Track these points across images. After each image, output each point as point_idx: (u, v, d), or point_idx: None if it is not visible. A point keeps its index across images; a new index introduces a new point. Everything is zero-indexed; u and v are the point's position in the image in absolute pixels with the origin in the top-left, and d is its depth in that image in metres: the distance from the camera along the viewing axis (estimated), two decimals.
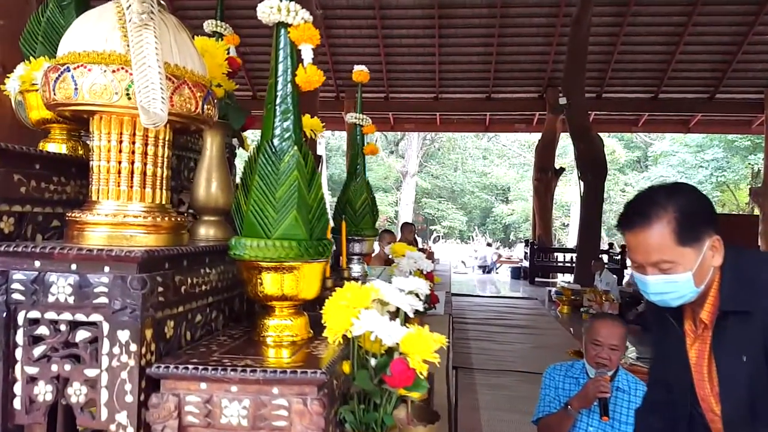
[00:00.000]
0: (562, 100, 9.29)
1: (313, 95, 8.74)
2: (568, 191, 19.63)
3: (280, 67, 1.16)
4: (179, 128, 1.17)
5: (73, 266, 0.97)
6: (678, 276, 1.27)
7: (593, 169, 9.35)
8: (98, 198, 1.08)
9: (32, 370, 0.99)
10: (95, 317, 0.97)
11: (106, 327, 0.96)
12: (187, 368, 0.95)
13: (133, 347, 0.94)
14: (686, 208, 1.26)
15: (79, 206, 1.14)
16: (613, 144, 22.53)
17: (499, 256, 17.50)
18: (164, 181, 1.14)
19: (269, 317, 1.17)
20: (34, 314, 0.99)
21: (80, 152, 1.41)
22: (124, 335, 0.95)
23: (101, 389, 0.96)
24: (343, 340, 1.11)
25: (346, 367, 1.14)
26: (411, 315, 1.23)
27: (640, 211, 1.30)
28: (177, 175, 1.71)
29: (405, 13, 10.59)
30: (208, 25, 1.93)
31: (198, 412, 0.95)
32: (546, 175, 11.95)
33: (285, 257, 1.09)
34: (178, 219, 1.14)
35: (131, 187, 1.08)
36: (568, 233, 20.87)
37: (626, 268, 11.83)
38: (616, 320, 2.27)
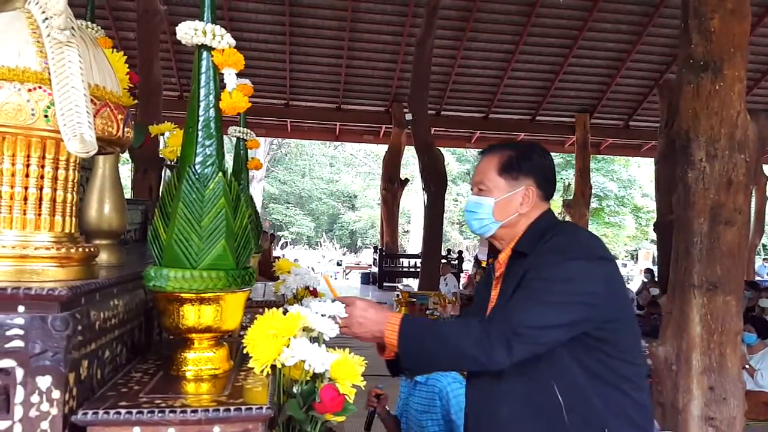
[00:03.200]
0: (408, 116, 9.83)
1: (156, 94, 8.23)
2: (410, 200, 20.70)
3: (202, 91, 1.13)
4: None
5: None
6: (484, 199, 1.50)
7: (435, 181, 10.00)
8: None
9: None
10: (6, 363, 0.86)
11: (20, 373, 0.86)
12: (119, 413, 0.89)
13: (56, 394, 0.86)
14: (517, 153, 1.51)
15: None
16: (447, 157, 24.25)
17: None
18: (74, 208, 1.05)
19: (188, 350, 1.13)
20: None
21: None
22: (44, 381, 0.86)
23: None
24: (270, 370, 1.12)
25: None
26: (327, 339, 1.27)
27: (492, 147, 1.57)
28: None
29: (255, 17, 10.43)
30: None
31: None
32: (393, 185, 12.54)
33: (212, 288, 1.07)
34: (90, 249, 1.06)
35: (39, 215, 0.98)
36: (409, 240, 21.97)
37: (462, 272, 12.83)
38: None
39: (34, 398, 0.86)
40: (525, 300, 1.35)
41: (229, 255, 1.09)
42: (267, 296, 2.21)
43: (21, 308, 0.87)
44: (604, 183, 20.67)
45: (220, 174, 1.11)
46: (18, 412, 0.86)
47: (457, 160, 25.29)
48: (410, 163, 16.97)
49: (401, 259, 13.43)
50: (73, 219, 1.04)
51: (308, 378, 1.15)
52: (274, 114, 12.20)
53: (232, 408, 0.92)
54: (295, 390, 1.15)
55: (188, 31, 1.13)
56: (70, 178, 1.02)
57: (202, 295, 1.07)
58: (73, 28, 0.95)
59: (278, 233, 21.68)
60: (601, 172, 20.79)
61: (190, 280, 1.05)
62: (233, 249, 1.11)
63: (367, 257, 19.28)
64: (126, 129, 1.05)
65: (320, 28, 10.79)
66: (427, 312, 8.48)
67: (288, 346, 1.10)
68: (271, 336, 1.12)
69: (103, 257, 1.36)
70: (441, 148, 10.66)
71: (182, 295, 1.07)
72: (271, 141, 21.47)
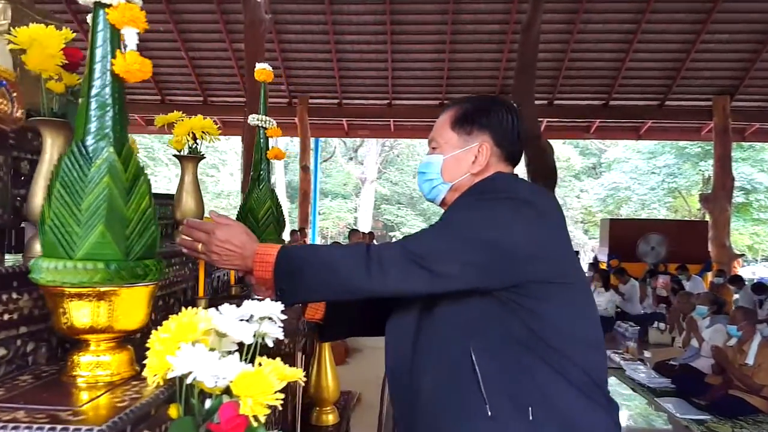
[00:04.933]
0: None
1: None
2: None
3: (98, 52, 0.97)
4: None
5: None
6: (434, 157, 1.32)
7: (544, 176, 9.36)
8: None
9: None
10: None
11: None
12: None
13: None
14: (475, 105, 1.31)
15: None
16: (568, 151, 22.87)
17: None
18: None
19: (82, 353, 0.98)
20: None
21: None
22: None
23: None
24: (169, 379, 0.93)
25: (173, 412, 0.96)
26: (270, 345, 1.06)
27: (452, 101, 1.38)
28: (27, 183, 1.51)
29: (357, 18, 10.46)
30: None
31: None
32: None
33: (89, 282, 0.91)
34: None
35: None
36: None
37: None
38: None
39: None
40: (425, 229, 1.19)
41: (111, 243, 0.93)
42: None
43: None
44: (752, 174, 18.21)
45: (111, 149, 0.95)
46: None
47: (580, 154, 23.80)
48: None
49: None
50: None
51: (219, 392, 0.96)
52: (378, 114, 12.14)
53: (57, 428, 0.75)
54: (208, 404, 0.96)
55: None
56: None
57: (86, 289, 0.92)
58: None
59: (390, 233, 21.86)
60: (748, 162, 18.38)
61: (63, 271, 0.90)
62: (121, 237, 0.94)
63: None
64: None
65: (421, 24, 10.58)
66: None
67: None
68: (166, 341, 0.93)
69: None
70: (559, 141, 9.97)
71: (64, 289, 0.92)
72: (382, 143, 21.70)
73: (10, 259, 1.23)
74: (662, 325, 7.37)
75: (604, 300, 8.18)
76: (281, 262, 1.15)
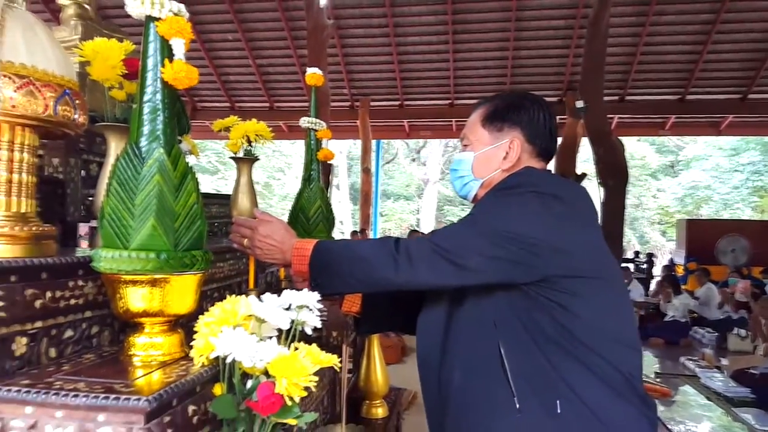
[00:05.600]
0: (579, 104, 9.04)
1: (324, 104, 8.75)
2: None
3: (150, 62, 1.07)
4: (44, 132, 1.10)
5: None
6: (465, 154, 1.34)
7: (614, 174, 9.03)
8: None
9: None
10: None
11: None
12: (9, 390, 0.87)
13: None
14: (506, 102, 1.32)
15: None
16: (644, 149, 21.91)
17: None
18: (25, 189, 1.07)
19: (137, 334, 1.08)
20: None
21: None
22: None
23: None
24: (214, 360, 1.02)
25: (218, 389, 1.04)
26: (309, 332, 1.13)
27: (484, 98, 1.39)
28: (96, 183, 1.65)
29: (418, 20, 10.50)
30: None
31: None
32: None
33: (142, 270, 1.00)
34: (42, 229, 1.07)
35: None
36: None
37: (653, 278, 11.41)
38: None
39: None
40: (453, 224, 1.23)
41: (161, 235, 1.02)
42: None
43: None
44: None
45: (160, 150, 1.05)
46: None
47: (656, 151, 22.73)
48: (591, 156, 15.66)
49: None
50: (24, 200, 1.06)
51: (259, 373, 1.03)
52: (439, 115, 12.11)
53: (111, 396, 0.84)
54: (250, 384, 1.04)
55: (133, 5, 1.09)
56: (16, 159, 1.04)
57: (140, 276, 1.02)
58: None
59: None
60: None
61: (119, 260, 1.00)
62: (170, 229, 1.03)
63: None
64: (61, 107, 1.04)
65: (484, 22, 10.47)
66: None
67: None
68: (210, 324, 1.02)
69: None
70: (633, 138, 9.58)
71: (121, 276, 1.03)
72: (445, 143, 21.61)
73: (81, 252, 1.36)
74: (743, 332, 6.95)
75: (676, 304, 7.81)
76: (316, 256, 1.22)
